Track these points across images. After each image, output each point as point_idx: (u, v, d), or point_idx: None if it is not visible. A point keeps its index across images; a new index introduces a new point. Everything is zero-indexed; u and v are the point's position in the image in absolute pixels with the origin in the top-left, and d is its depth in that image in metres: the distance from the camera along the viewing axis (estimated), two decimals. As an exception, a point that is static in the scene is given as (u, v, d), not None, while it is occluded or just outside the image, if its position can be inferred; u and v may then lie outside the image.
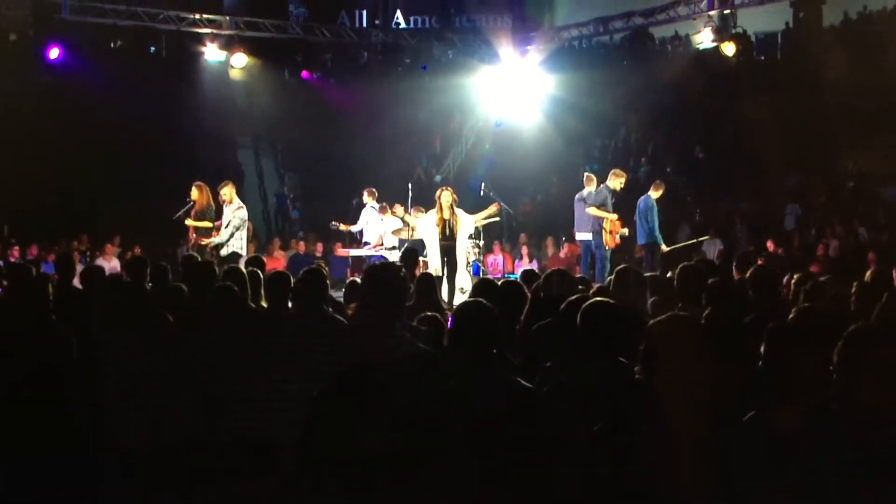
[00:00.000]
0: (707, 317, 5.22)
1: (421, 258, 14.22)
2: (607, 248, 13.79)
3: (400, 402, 3.25)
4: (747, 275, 6.70)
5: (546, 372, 4.50)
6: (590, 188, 14.33)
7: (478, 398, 3.60)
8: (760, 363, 3.68)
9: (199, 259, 10.28)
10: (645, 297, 6.96)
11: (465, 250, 13.60)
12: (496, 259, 18.35)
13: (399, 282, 4.72)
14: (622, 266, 7.63)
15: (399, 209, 15.28)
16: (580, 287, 6.48)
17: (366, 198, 16.08)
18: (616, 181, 13.99)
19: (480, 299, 4.07)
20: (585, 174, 14.92)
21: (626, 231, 13.99)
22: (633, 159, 22.68)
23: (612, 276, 7.28)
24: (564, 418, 3.74)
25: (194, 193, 12.88)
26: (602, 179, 14.40)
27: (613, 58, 24.28)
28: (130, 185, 19.53)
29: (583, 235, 14.34)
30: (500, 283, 7.11)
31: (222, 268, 9.39)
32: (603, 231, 13.77)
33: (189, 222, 12.85)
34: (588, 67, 22.71)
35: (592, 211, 13.88)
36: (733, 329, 4.70)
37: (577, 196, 14.52)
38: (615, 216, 13.85)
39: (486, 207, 14.42)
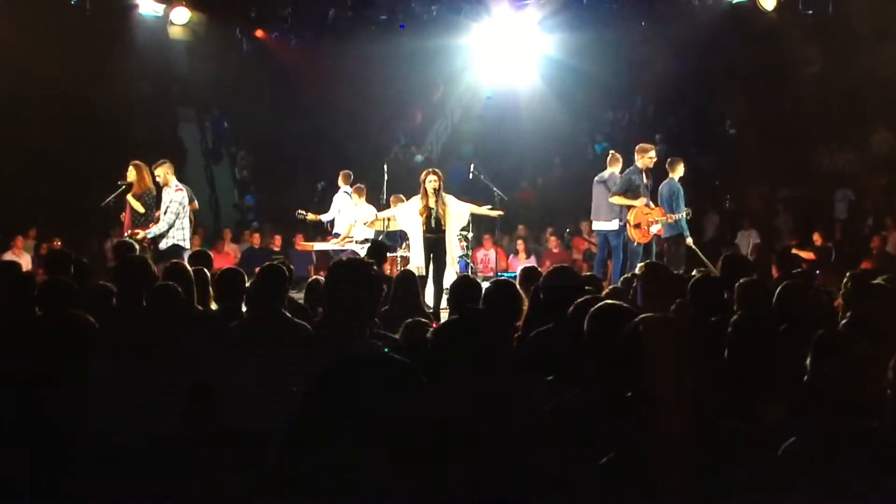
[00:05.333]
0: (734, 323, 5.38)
1: (398, 253, 14.31)
2: (636, 242, 13.73)
3: (374, 416, 3.43)
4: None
5: (547, 387, 4.55)
6: (613, 169, 14.33)
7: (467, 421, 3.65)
8: (808, 376, 3.91)
9: (136, 248, 10.33)
10: (672, 300, 7.00)
11: (456, 244, 13.60)
12: (487, 254, 18.41)
13: (369, 282, 4.74)
14: (648, 262, 7.69)
15: (399, 202, 14.77)
16: (588, 287, 6.53)
17: (340, 182, 16.16)
18: (644, 158, 13.91)
19: (462, 321, 4.10)
20: (610, 153, 14.85)
21: (671, 218, 13.71)
22: (649, 136, 22.72)
23: (637, 274, 7.30)
24: (568, 444, 3.79)
25: (131, 174, 12.83)
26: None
27: (628, 13, 24.27)
28: (48, 166, 19.44)
29: (601, 225, 14.33)
30: (490, 282, 7.15)
31: (161, 264, 9.41)
32: (628, 225, 13.68)
33: (131, 199, 12.78)
34: (597, 26, 22.71)
35: (616, 200, 13.83)
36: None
37: (596, 178, 14.52)
38: (642, 201, 13.73)
39: (474, 193, 14.45)
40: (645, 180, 13.86)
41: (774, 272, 9.67)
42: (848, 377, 3.71)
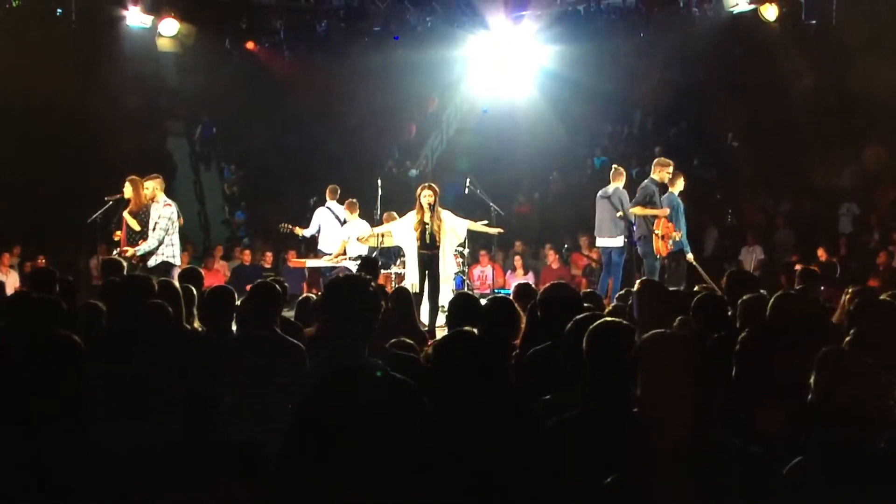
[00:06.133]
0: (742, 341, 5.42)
1: (392, 270, 14.31)
2: (658, 255, 13.74)
3: (371, 432, 3.48)
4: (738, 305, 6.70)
5: (545, 406, 4.56)
6: (616, 184, 14.33)
7: (467, 439, 3.67)
8: (812, 394, 3.94)
9: (123, 267, 10.35)
10: (670, 316, 7.03)
11: (451, 261, 13.57)
12: (484, 271, 18.43)
13: (369, 299, 4.76)
14: (644, 280, 7.70)
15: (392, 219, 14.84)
16: (587, 304, 6.56)
17: (327, 196, 16.16)
18: (662, 172, 13.92)
19: (467, 332, 4.11)
20: (614, 167, 14.84)
21: (677, 235, 13.72)
22: (648, 149, 22.71)
23: (633, 290, 7.34)
24: (569, 463, 3.80)
25: (127, 190, 12.85)
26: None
27: (626, 25, 24.34)
28: (32, 182, 19.43)
29: (605, 241, 14.33)
30: (488, 299, 7.17)
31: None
32: (654, 237, 13.63)
33: (127, 217, 12.80)
34: (595, 37, 22.75)
35: (638, 211, 13.77)
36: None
37: (599, 193, 14.51)
38: (665, 212, 13.67)
39: (469, 208, 14.41)
40: (660, 194, 13.85)
41: (796, 284, 9.72)
42: (852, 395, 3.72)
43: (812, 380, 3.90)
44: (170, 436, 4.67)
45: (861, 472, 3.51)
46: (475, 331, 4.13)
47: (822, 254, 16.59)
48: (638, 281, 7.46)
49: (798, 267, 11.00)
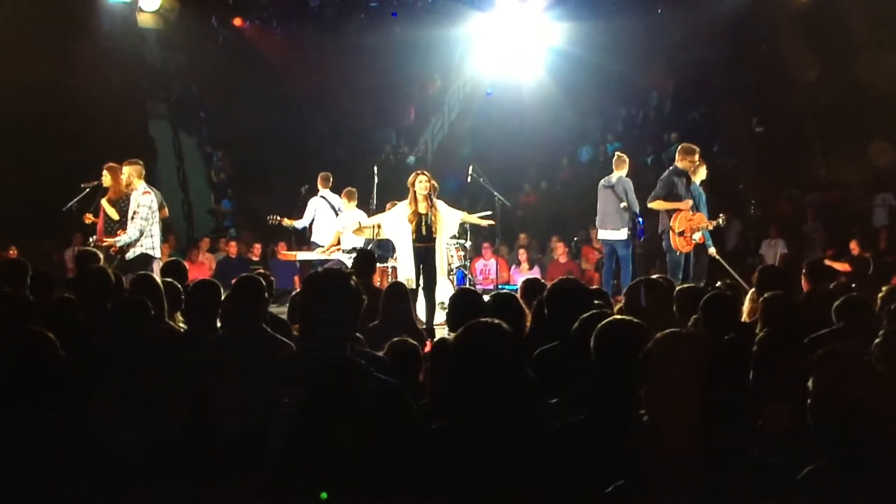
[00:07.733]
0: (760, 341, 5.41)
1: (389, 263, 14.29)
2: (678, 252, 13.54)
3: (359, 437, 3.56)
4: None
5: (551, 410, 4.55)
6: (619, 172, 14.26)
7: (475, 448, 3.66)
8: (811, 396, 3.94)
9: (99, 258, 10.35)
10: (685, 313, 7.03)
11: (447, 254, 13.53)
12: (487, 265, 18.41)
13: (347, 294, 4.73)
14: (644, 278, 7.69)
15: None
16: (596, 302, 6.54)
17: (319, 185, 16.11)
18: (685, 161, 13.68)
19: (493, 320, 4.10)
20: (616, 154, 14.75)
21: (707, 225, 13.60)
22: (666, 135, 22.65)
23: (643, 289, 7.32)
24: (576, 468, 3.80)
25: (106, 178, 12.87)
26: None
27: (642, 0, 24.27)
28: (2, 168, 19.37)
29: (608, 234, 14.25)
30: (490, 296, 7.16)
31: (129, 274, 9.42)
32: (671, 232, 13.49)
33: (105, 205, 12.82)
34: (608, 14, 22.68)
35: (658, 205, 13.70)
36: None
37: (601, 182, 14.42)
38: (687, 205, 13.47)
39: (472, 197, 14.36)
40: (686, 184, 13.68)
41: (805, 286, 9.60)
42: (852, 395, 3.69)
43: (810, 381, 3.87)
44: (158, 431, 4.70)
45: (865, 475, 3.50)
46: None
47: (854, 247, 16.50)
48: (638, 279, 7.45)
49: (808, 263, 10.74)
